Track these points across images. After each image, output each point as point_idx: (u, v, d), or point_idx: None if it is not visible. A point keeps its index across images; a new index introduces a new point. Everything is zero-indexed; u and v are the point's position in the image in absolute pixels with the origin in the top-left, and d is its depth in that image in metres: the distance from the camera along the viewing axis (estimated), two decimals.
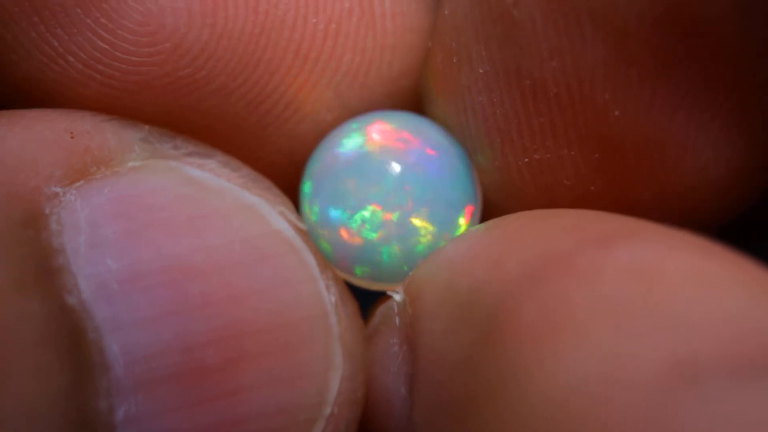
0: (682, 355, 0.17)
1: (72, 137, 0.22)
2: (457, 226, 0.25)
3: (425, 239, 0.24)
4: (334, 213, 0.24)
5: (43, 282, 0.20)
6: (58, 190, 0.20)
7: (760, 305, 0.18)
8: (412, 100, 0.27)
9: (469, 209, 0.25)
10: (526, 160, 0.24)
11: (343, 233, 0.23)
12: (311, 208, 0.24)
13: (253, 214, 0.22)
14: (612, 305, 0.18)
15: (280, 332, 0.21)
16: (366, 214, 0.24)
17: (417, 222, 0.24)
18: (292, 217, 0.23)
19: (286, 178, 0.25)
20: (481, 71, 0.24)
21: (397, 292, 0.24)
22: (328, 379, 0.22)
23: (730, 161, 0.23)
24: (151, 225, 0.21)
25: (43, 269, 0.20)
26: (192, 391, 0.20)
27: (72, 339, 0.20)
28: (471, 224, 0.25)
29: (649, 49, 0.22)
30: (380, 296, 0.25)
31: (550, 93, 0.23)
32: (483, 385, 0.19)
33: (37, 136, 0.21)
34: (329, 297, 0.22)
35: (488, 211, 0.26)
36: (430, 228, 0.24)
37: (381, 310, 0.24)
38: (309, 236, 0.24)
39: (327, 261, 0.23)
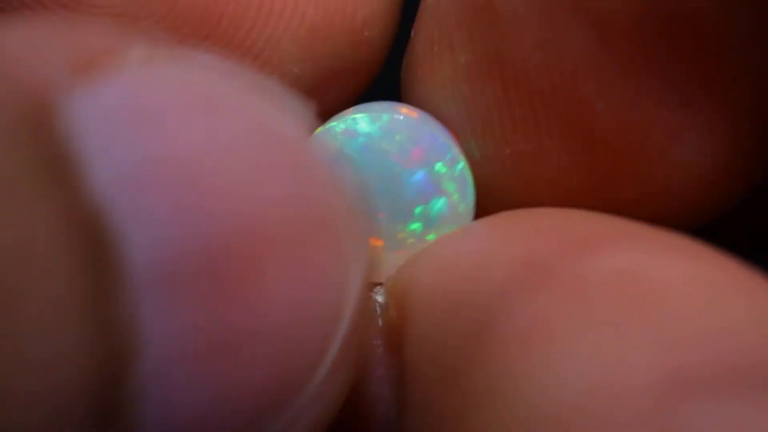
0: (675, 366, 0.16)
1: (73, 33, 0.21)
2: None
3: None
4: None
5: (59, 180, 0.19)
6: (65, 83, 0.19)
7: (754, 313, 0.17)
8: (377, 49, 0.27)
9: None
10: (508, 151, 0.24)
11: None
12: None
13: (266, 97, 0.21)
14: (600, 314, 0.18)
15: (302, 224, 0.20)
16: None
17: None
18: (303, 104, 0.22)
19: None
20: (462, 60, 0.24)
21: (379, 293, 0.23)
22: (348, 279, 0.20)
23: (716, 156, 0.23)
24: (162, 114, 0.19)
25: (58, 167, 0.19)
26: (216, 289, 0.19)
27: (94, 240, 0.18)
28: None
29: (633, 42, 0.22)
30: None
31: (532, 84, 0.23)
32: (470, 393, 0.18)
33: (39, 33, 0.20)
34: (347, 193, 0.21)
35: (477, 201, 0.25)
36: None
37: None
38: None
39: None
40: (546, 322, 0.18)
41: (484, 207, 0.25)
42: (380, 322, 0.23)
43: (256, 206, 0.19)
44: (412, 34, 0.26)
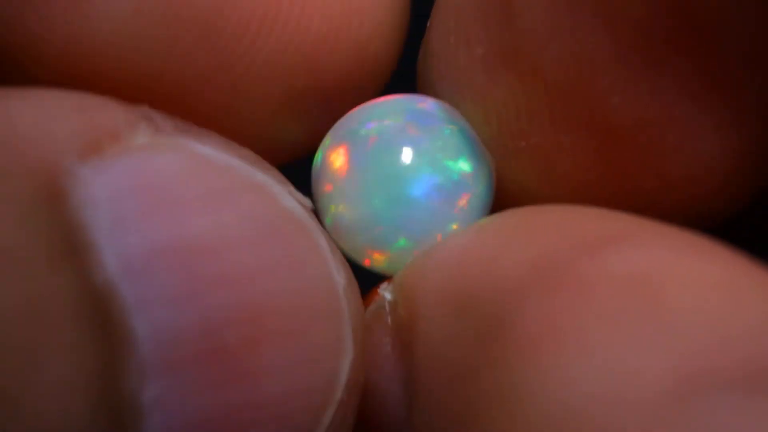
0: (688, 368, 0.16)
1: (82, 113, 0.21)
2: None
3: None
4: None
5: (71, 258, 0.19)
6: (75, 164, 0.20)
7: (763, 311, 0.17)
8: (383, 63, 0.26)
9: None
10: (523, 143, 0.24)
11: None
12: None
13: (263, 193, 0.21)
14: (612, 316, 0.17)
15: (295, 313, 0.21)
16: None
17: None
18: (300, 196, 0.23)
19: (263, 145, 0.25)
20: (479, 52, 0.24)
21: (387, 290, 0.23)
22: (339, 363, 0.21)
23: (734, 150, 0.23)
24: (166, 202, 0.20)
25: (71, 246, 0.19)
26: (214, 373, 0.20)
27: (102, 317, 0.19)
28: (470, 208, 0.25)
29: (650, 35, 0.22)
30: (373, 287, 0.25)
31: (548, 77, 0.23)
32: (482, 394, 0.18)
33: (50, 111, 0.21)
34: (340, 279, 0.22)
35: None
36: None
37: (372, 308, 0.24)
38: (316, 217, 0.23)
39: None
40: (557, 324, 0.18)
41: (500, 200, 0.25)
42: (389, 320, 0.23)
43: (254, 296, 0.20)
44: (428, 25, 0.26)
